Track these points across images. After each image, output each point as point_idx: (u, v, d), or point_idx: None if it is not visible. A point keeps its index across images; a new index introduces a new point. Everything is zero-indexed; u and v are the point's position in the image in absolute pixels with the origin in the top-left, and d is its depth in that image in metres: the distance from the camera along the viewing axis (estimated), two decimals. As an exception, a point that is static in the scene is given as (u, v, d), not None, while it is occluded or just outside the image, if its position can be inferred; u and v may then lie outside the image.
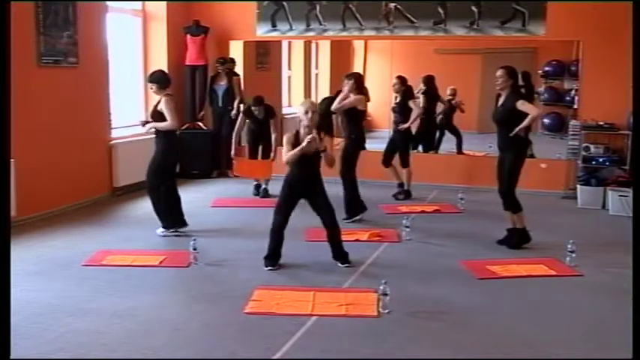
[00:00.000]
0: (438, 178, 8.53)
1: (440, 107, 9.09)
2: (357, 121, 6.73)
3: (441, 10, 8.42)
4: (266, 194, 7.89)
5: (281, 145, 6.39)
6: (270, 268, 5.09)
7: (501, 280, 4.98)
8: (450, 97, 9.20)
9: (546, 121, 9.00)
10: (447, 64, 9.45)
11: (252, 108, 7.74)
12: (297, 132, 5.17)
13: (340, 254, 5.24)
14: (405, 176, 7.97)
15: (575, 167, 8.04)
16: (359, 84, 6.76)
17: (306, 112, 5.09)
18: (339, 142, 6.72)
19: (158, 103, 5.98)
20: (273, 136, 7.79)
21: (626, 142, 7.70)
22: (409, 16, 8.54)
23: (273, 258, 5.15)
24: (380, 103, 9.22)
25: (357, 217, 6.66)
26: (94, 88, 7.47)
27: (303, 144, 5.01)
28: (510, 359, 3.65)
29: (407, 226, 6.07)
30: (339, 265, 5.19)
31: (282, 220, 5.18)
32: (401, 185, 8.01)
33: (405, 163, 7.98)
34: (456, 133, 9.13)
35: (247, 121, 7.93)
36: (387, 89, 8.93)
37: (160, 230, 6.04)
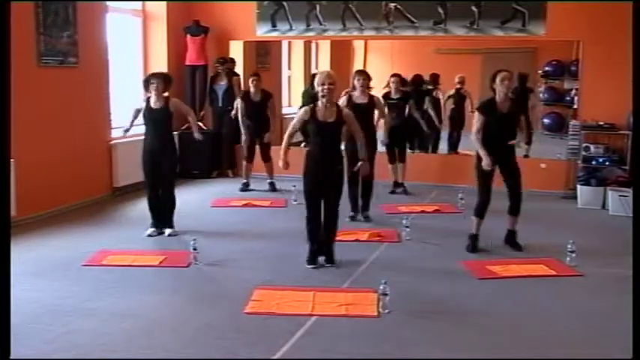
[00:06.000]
0: (438, 178, 8.53)
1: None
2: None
3: (441, 10, 8.42)
4: (273, 189, 8.25)
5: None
6: (312, 266, 5.17)
7: (501, 280, 4.98)
8: (459, 86, 9.18)
9: (546, 121, 9.00)
10: (447, 64, 9.44)
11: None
12: (314, 106, 5.10)
13: (328, 252, 5.29)
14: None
15: (575, 167, 8.04)
16: None
17: (322, 83, 5.01)
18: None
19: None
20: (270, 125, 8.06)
21: (626, 142, 7.70)
22: (409, 16, 8.54)
23: (311, 257, 5.22)
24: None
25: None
26: (94, 88, 7.47)
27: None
28: (510, 359, 3.65)
29: (407, 226, 6.07)
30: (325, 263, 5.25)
31: (312, 216, 5.20)
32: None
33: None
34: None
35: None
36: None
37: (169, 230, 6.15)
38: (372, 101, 6.64)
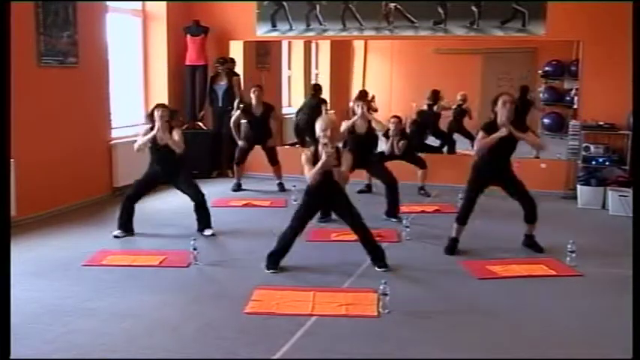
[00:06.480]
0: (438, 178, 8.53)
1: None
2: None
3: (441, 10, 8.42)
4: (282, 189, 8.26)
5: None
6: (271, 270, 5.06)
7: (501, 280, 4.98)
8: (461, 102, 9.26)
9: (546, 121, 9.00)
10: (447, 64, 9.44)
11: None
12: (316, 149, 5.06)
13: (376, 256, 5.16)
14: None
15: (575, 167, 8.04)
16: None
17: (324, 129, 4.97)
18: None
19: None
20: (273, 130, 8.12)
21: (626, 142, 7.70)
22: (409, 16, 8.54)
23: (275, 261, 5.10)
24: (379, 104, 9.22)
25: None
26: (94, 88, 7.47)
27: (323, 159, 4.92)
28: (510, 359, 3.65)
29: (407, 226, 6.07)
30: (377, 269, 5.10)
31: (297, 229, 5.12)
32: None
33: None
34: (468, 135, 9.15)
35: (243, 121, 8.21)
36: (387, 90, 8.96)
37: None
38: (371, 125, 6.90)
